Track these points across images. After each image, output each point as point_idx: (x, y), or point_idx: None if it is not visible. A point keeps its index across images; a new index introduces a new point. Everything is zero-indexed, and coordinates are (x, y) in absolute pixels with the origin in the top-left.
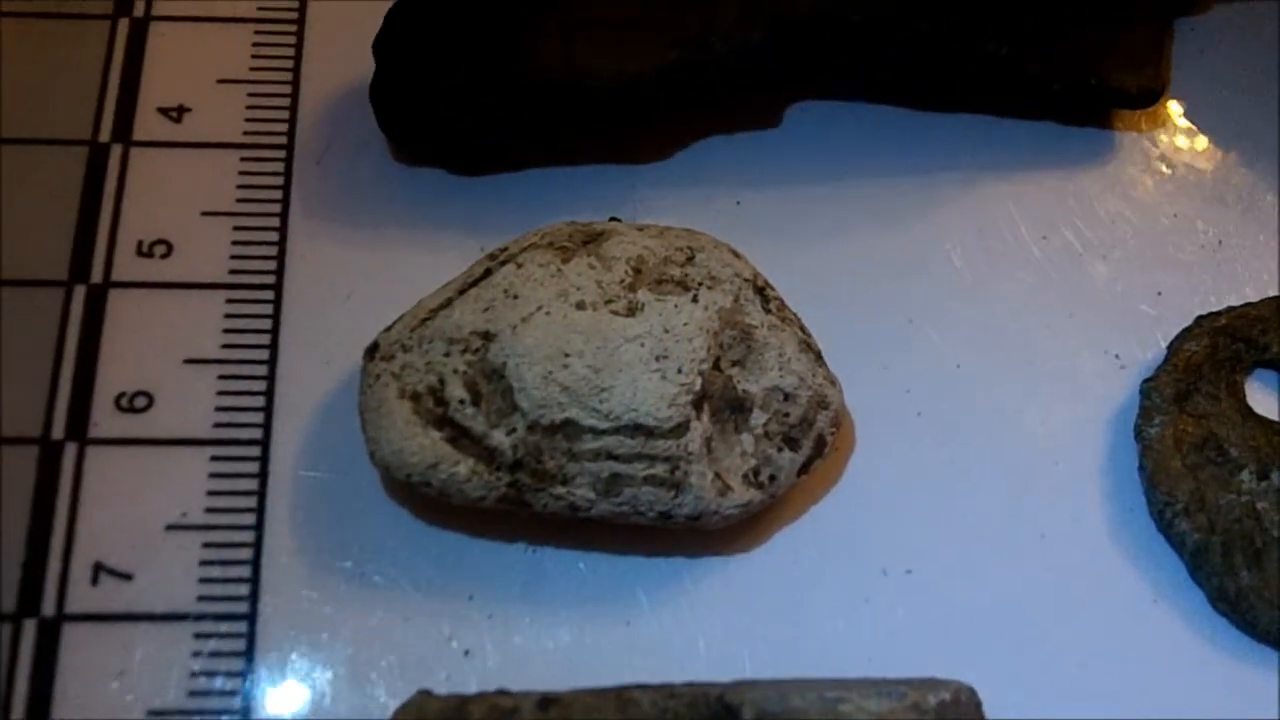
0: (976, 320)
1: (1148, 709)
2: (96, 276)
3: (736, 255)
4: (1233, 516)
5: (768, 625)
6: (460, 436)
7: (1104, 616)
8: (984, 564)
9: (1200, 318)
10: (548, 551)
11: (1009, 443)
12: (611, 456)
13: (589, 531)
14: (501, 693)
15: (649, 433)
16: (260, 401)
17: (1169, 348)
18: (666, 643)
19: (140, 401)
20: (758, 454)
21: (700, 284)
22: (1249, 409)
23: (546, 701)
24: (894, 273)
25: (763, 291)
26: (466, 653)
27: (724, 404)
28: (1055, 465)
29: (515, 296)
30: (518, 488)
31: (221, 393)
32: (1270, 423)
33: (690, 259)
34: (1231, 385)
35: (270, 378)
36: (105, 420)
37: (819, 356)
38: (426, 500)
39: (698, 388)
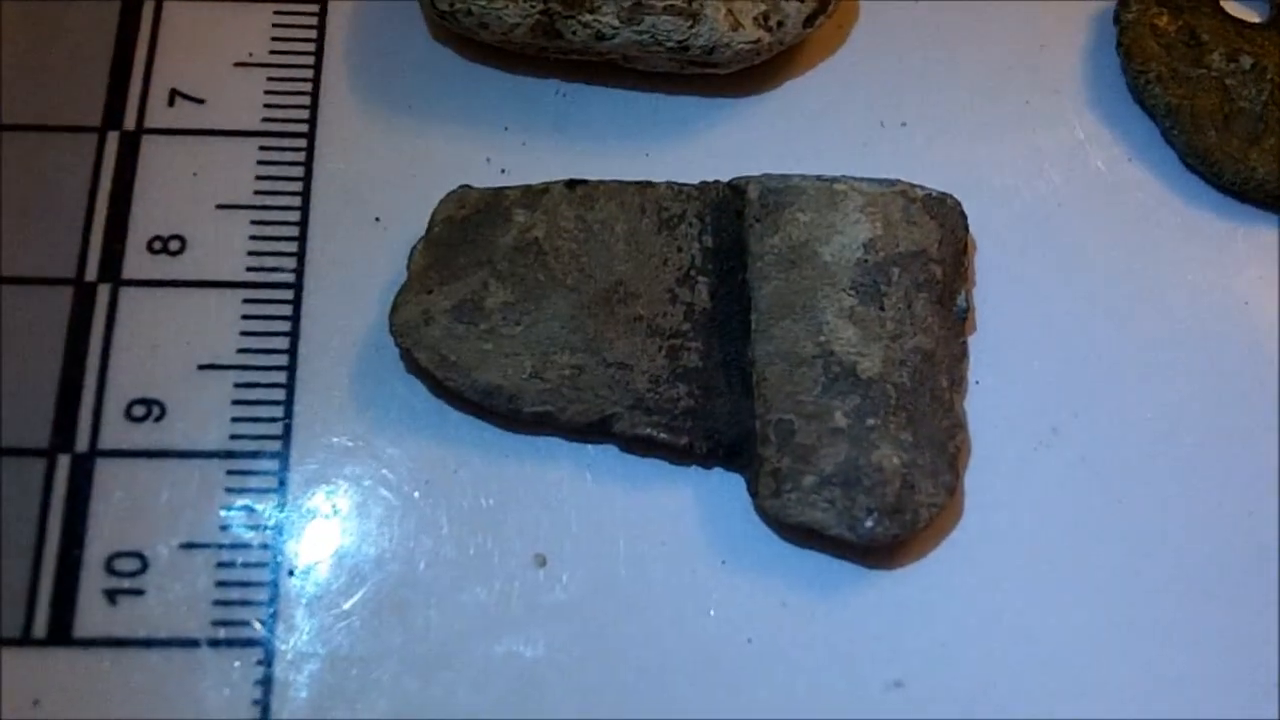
0: None
1: (1122, 249)
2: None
3: None
4: (1202, 87)
5: (777, 160)
6: None
7: (1083, 171)
8: (971, 118)
9: None
10: (576, 92)
11: (996, 26)
12: None
13: (614, 75)
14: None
15: None
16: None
17: None
18: (682, 172)
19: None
20: (768, 1)
21: None
22: (1222, 9)
23: (574, 182)
24: None
25: None
26: (503, 171)
27: None
28: (1040, 48)
29: None
30: (549, 15)
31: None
32: (1242, 21)
33: None
34: None
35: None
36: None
37: None
38: (466, 35)
39: None
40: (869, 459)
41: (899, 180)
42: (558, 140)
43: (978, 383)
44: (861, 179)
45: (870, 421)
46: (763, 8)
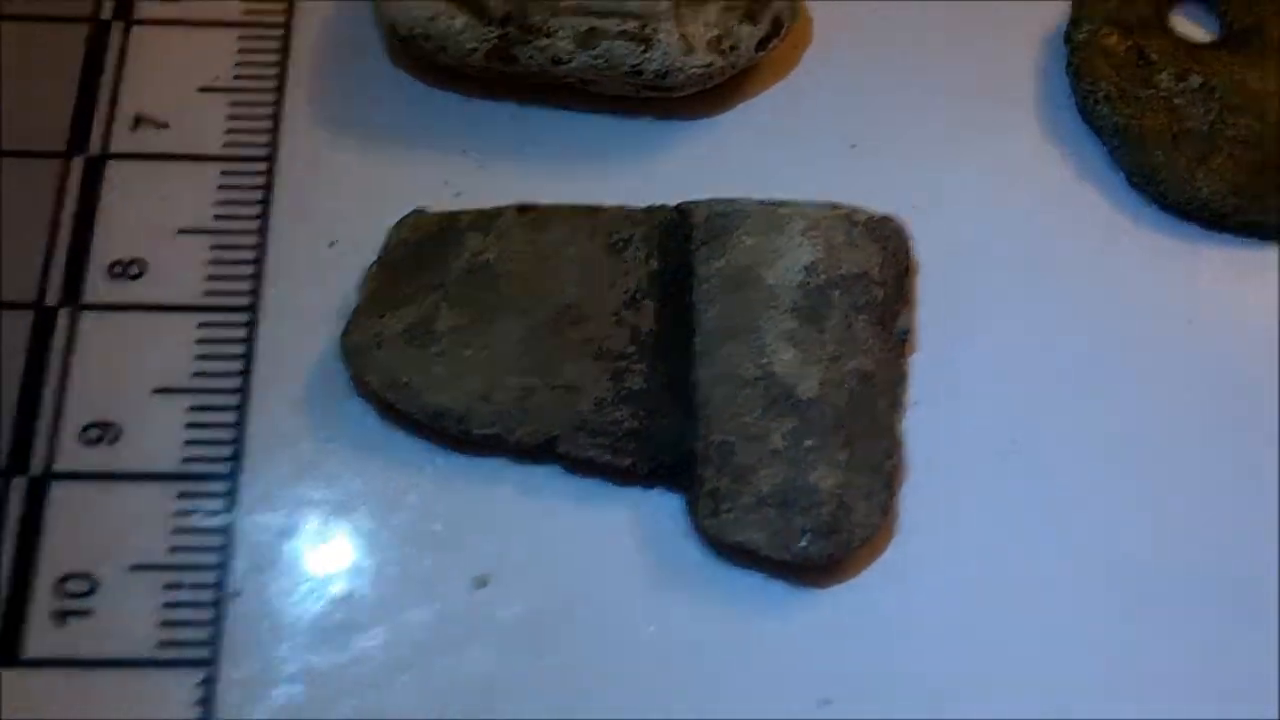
0: None
1: (1071, 268)
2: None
3: None
4: (1151, 107)
5: (730, 181)
6: None
7: (1033, 191)
8: (921, 139)
9: None
10: (533, 115)
11: (951, 49)
12: (590, 12)
13: (570, 98)
14: None
15: None
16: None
17: None
18: (636, 194)
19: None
20: (720, 24)
21: None
22: (1173, 30)
23: (525, 207)
24: None
25: None
26: (459, 194)
27: None
28: (992, 68)
29: None
30: (506, 40)
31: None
32: (1194, 43)
33: None
34: (1159, 8)
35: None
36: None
37: None
38: (425, 60)
39: None
40: (806, 480)
41: (843, 204)
42: (515, 163)
43: (918, 404)
44: (806, 202)
45: (808, 443)
46: (716, 32)
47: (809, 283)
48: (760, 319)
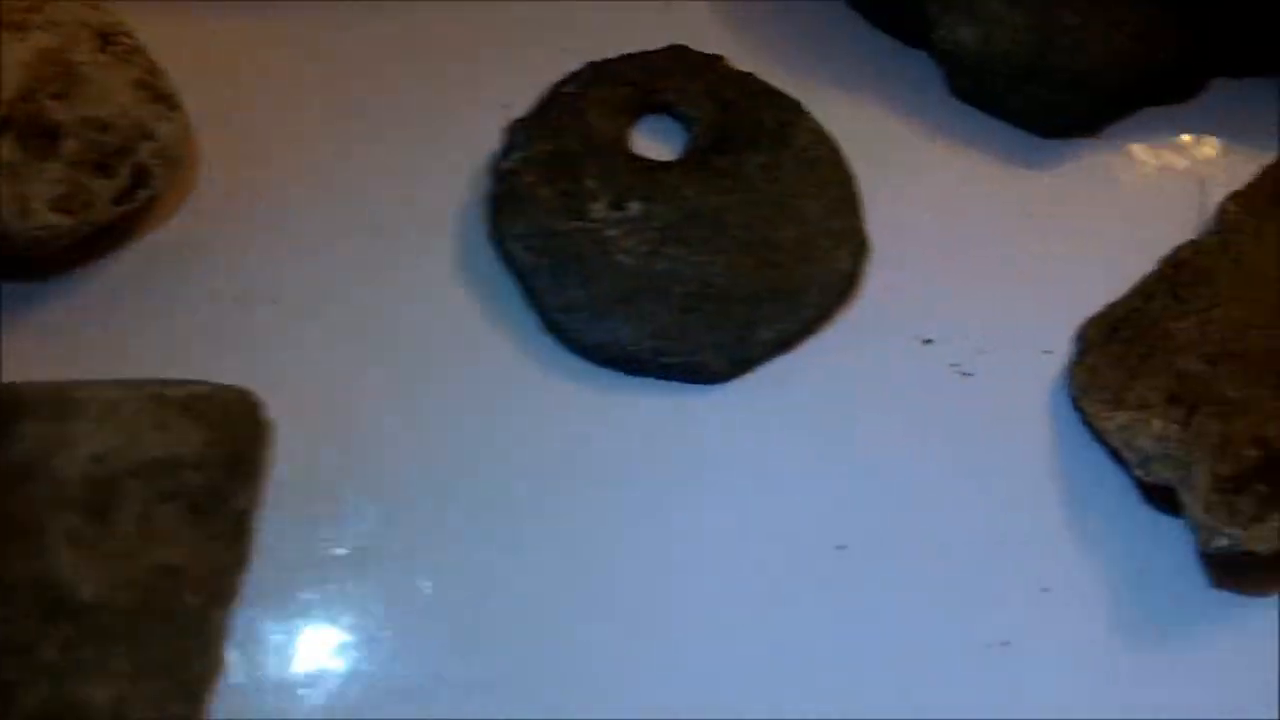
0: (375, 69)
1: (472, 424)
2: None
3: (95, 7)
4: (572, 242)
5: (88, 350)
6: None
7: (439, 337)
8: (320, 290)
9: (592, 63)
10: None
11: (369, 180)
12: None
13: None
14: None
15: None
16: None
17: (547, 90)
18: None
19: None
20: (68, 180)
21: (35, 28)
22: (625, 148)
23: None
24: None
25: (108, 37)
26: None
27: (32, 132)
28: (413, 206)
29: None
30: None
31: None
32: (645, 161)
33: (37, 9)
34: (615, 124)
35: None
36: None
37: (161, 95)
38: None
39: None
40: (75, 695)
41: (153, 383)
42: None
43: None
44: (110, 382)
45: (83, 652)
46: (62, 190)
47: (98, 473)
48: (42, 516)
